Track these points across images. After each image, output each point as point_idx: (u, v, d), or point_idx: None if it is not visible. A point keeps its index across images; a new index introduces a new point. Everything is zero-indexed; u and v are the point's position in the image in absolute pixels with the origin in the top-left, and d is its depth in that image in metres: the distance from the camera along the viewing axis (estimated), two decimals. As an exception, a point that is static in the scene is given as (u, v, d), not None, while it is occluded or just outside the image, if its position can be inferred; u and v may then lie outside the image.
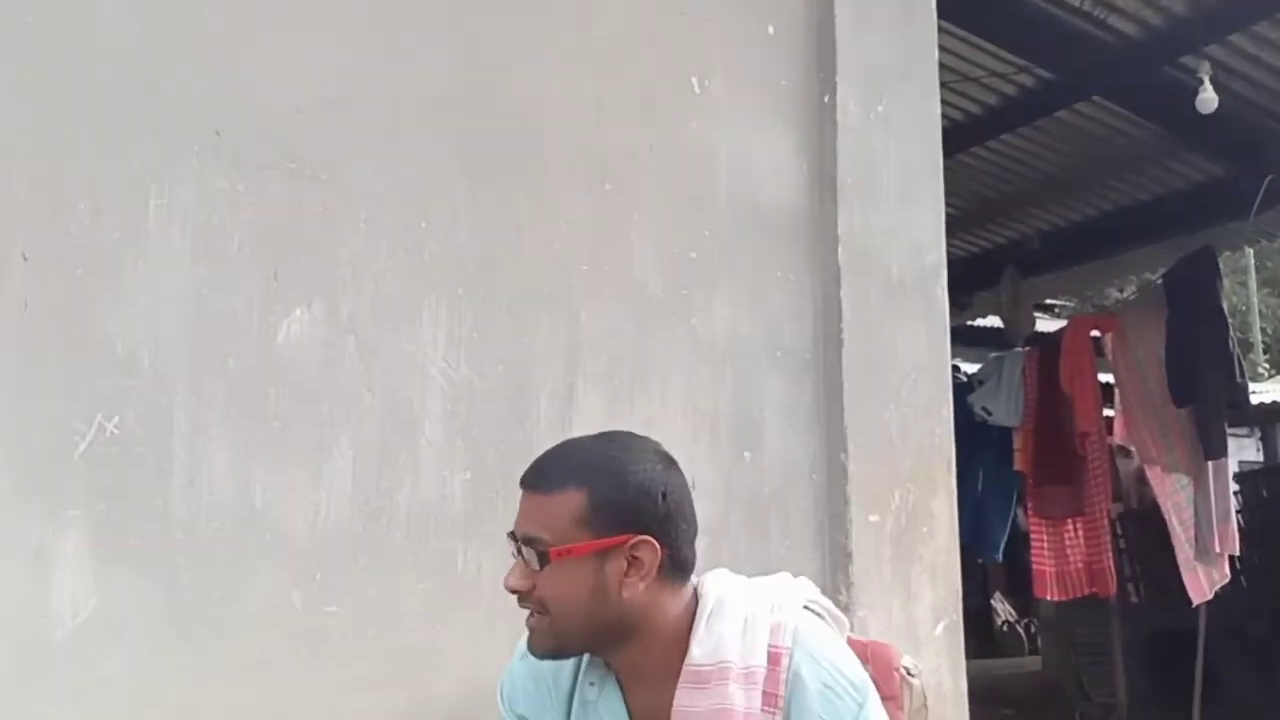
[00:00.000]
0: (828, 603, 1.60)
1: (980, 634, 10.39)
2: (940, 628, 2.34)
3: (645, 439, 1.48)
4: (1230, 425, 5.15)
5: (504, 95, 2.11)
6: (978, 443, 5.56)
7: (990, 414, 5.61)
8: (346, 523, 1.85)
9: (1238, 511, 5.55)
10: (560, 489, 1.38)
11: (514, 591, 1.40)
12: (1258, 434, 11.34)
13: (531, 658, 1.47)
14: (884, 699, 1.65)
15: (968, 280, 6.16)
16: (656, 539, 1.38)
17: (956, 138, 4.85)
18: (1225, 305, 5.02)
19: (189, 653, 1.72)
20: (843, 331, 2.37)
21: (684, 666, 1.40)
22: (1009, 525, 6.05)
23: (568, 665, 1.51)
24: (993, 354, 5.98)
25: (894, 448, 2.37)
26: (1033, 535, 5.55)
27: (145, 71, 1.79)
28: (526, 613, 1.43)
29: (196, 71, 1.83)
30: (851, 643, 1.75)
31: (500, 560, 1.49)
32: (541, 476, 1.41)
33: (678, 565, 1.42)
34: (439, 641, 1.90)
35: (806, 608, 1.52)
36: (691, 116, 2.33)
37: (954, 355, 3.85)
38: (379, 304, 1.93)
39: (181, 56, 1.83)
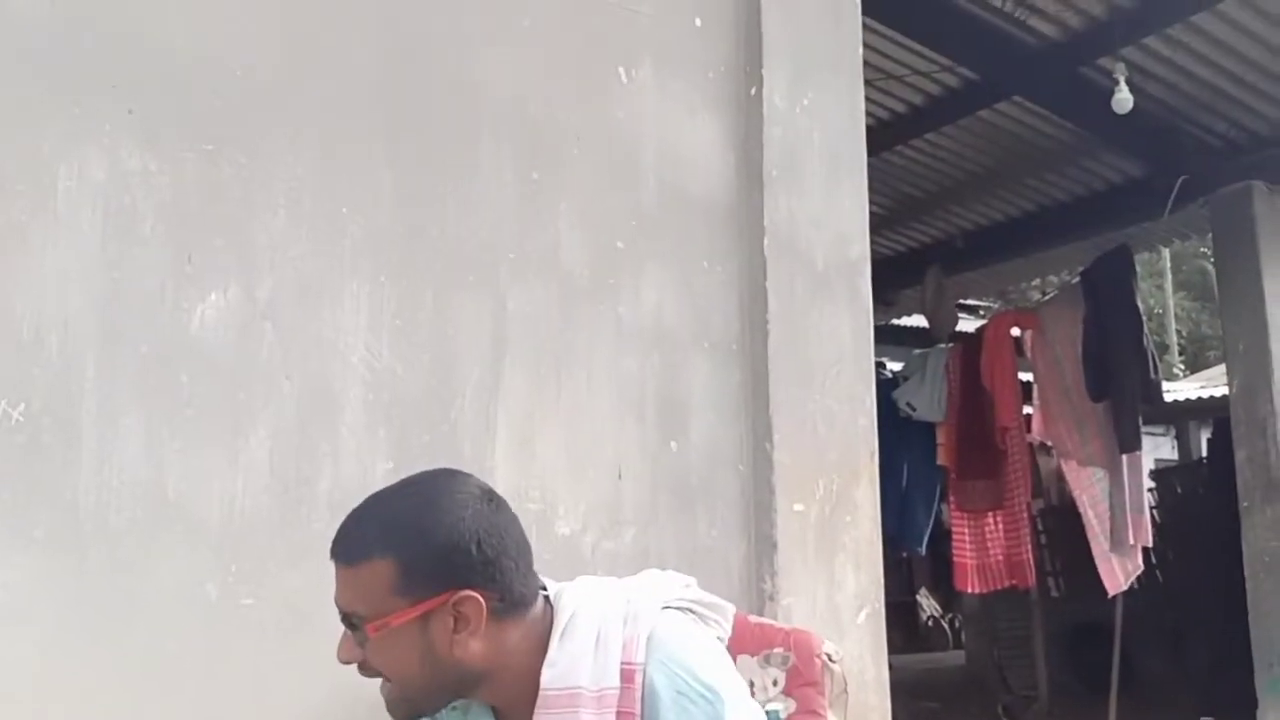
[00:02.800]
0: (701, 594, 1.55)
1: (905, 629, 10.55)
2: (863, 615, 2.36)
3: (455, 478, 1.40)
4: (1145, 423, 5.29)
5: (429, 80, 2.08)
6: (902, 438, 5.65)
7: (914, 409, 5.70)
8: (264, 511, 1.81)
9: (1153, 507, 5.70)
10: (366, 559, 1.30)
11: (347, 664, 1.35)
12: (1172, 432, 11.66)
13: None
14: (805, 684, 1.68)
15: (893, 278, 6.25)
16: (479, 590, 1.31)
17: (882, 136, 4.92)
18: (1140, 303, 5.16)
19: (99, 646, 1.67)
20: (768, 321, 2.38)
21: (539, 692, 1.36)
22: (933, 518, 6.15)
23: None
24: (916, 350, 6.07)
25: (818, 437, 2.39)
26: (954, 528, 5.65)
27: (54, 46, 1.74)
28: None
29: (107, 47, 1.78)
30: (773, 630, 1.77)
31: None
32: (345, 547, 1.33)
33: (513, 604, 1.36)
34: (360, 633, 1.87)
35: (670, 607, 1.46)
36: (619, 105, 2.32)
37: (880, 353, 3.89)
38: (298, 289, 1.89)
39: (92, 30, 1.77)
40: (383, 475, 1.93)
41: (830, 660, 1.71)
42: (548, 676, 1.36)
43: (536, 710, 1.36)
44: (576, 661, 1.36)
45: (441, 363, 2.02)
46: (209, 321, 1.80)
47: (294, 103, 1.94)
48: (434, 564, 1.30)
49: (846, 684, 1.73)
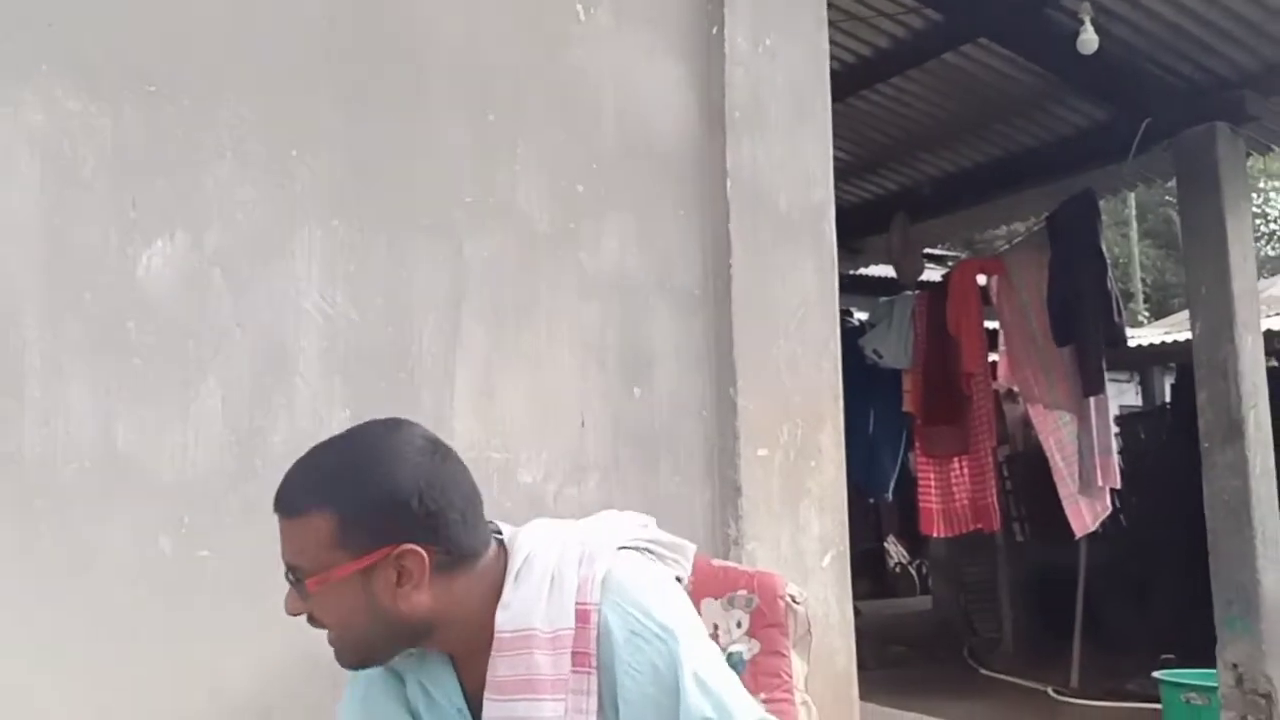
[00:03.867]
0: (659, 534, 1.54)
1: (874, 576, 10.68)
2: (828, 559, 2.36)
3: (400, 429, 1.38)
4: (1110, 369, 5.33)
5: (380, 19, 2.02)
6: (869, 385, 5.67)
7: (881, 356, 5.71)
8: (217, 463, 1.77)
9: (1118, 452, 5.75)
10: (306, 512, 1.29)
11: (294, 615, 1.34)
12: (1137, 379, 11.76)
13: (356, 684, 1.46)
14: (769, 626, 1.67)
15: (859, 226, 6.23)
16: (421, 544, 1.30)
17: (847, 80, 4.88)
18: (1104, 247, 5.17)
19: (50, 603, 1.64)
20: (731, 266, 2.35)
21: (494, 635, 1.35)
22: (899, 464, 6.20)
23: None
24: (883, 298, 6.08)
25: (782, 382, 2.37)
26: (920, 474, 5.70)
27: (-16, -16, 1.67)
28: None
29: (41, -16, 1.71)
30: (737, 573, 1.76)
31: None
32: (286, 500, 1.32)
33: (460, 556, 1.35)
34: (319, 584, 1.84)
35: (627, 547, 1.45)
36: (577, 45, 2.27)
37: (846, 303, 3.87)
38: (247, 236, 1.84)
39: (24, -33, 1.70)
40: (340, 425, 1.88)
41: (794, 602, 1.70)
42: (501, 619, 1.35)
43: (492, 653, 1.35)
44: (530, 604, 1.35)
45: (397, 310, 1.98)
46: (155, 269, 1.76)
47: (238, 44, 1.87)
48: (374, 518, 1.29)
49: (810, 625, 1.73)
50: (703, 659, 1.33)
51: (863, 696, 2.43)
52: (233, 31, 1.87)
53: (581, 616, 1.34)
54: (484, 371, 2.06)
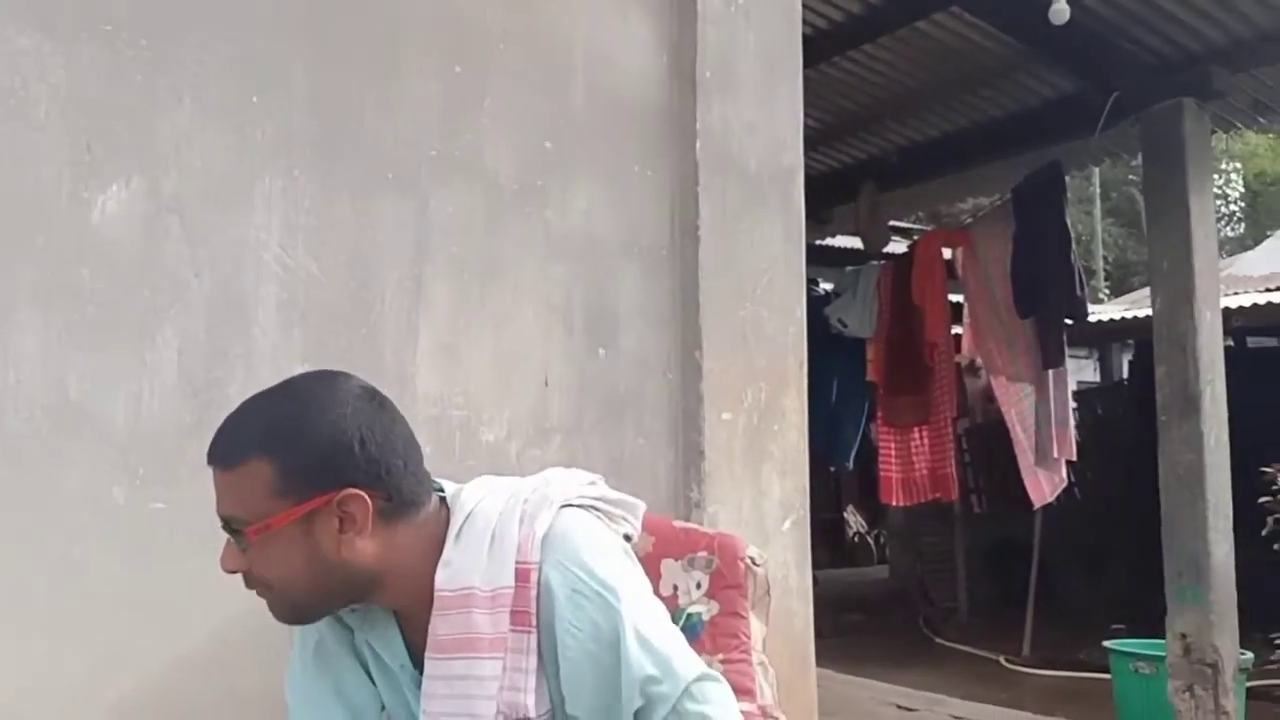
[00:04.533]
0: (606, 491, 1.52)
1: (832, 544, 10.77)
2: (788, 523, 2.36)
3: (337, 378, 1.36)
4: (1069, 345, 5.37)
5: (346, -34, 1.98)
6: (833, 354, 5.69)
7: (845, 326, 5.73)
8: (172, 414, 1.74)
9: (1075, 426, 5.83)
10: (243, 462, 1.26)
11: (232, 573, 1.31)
12: (1095, 355, 11.91)
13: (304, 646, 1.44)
14: (728, 587, 1.67)
15: (827, 196, 6.22)
16: (364, 489, 1.28)
17: (819, 47, 4.85)
18: (1069, 220, 5.19)
19: (-1, 554, 1.61)
20: (699, 227, 2.33)
21: (435, 593, 1.34)
22: (860, 432, 6.24)
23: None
24: (849, 268, 6.09)
25: (748, 345, 2.36)
26: (881, 444, 5.74)
27: (-67, -86, 1.61)
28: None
29: (-7, -83, 1.66)
30: (698, 534, 1.75)
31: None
32: (222, 452, 1.29)
33: (402, 503, 1.33)
34: (276, 539, 1.81)
35: (572, 504, 1.43)
36: (547, 1, 2.23)
37: (812, 273, 3.86)
38: (206, 184, 1.80)
39: (-25, -101, 1.65)
40: (299, 378, 1.87)
41: (753, 564, 1.70)
42: (441, 577, 1.34)
43: (433, 612, 1.33)
44: (471, 562, 1.34)
45: (359, 264, 1.95)
46: (110, 214, 1.71)
47: (199, -16, 1.82)
48: (314, 463, 1.27)
49: (769, 587, 1.73)
50: (645, 616, 1.32)
51: (819, 664, 2.44)
52: (194, -28, 1.82)
53: (521, 575, 1.33)
54: (447, 329, 2.04)
